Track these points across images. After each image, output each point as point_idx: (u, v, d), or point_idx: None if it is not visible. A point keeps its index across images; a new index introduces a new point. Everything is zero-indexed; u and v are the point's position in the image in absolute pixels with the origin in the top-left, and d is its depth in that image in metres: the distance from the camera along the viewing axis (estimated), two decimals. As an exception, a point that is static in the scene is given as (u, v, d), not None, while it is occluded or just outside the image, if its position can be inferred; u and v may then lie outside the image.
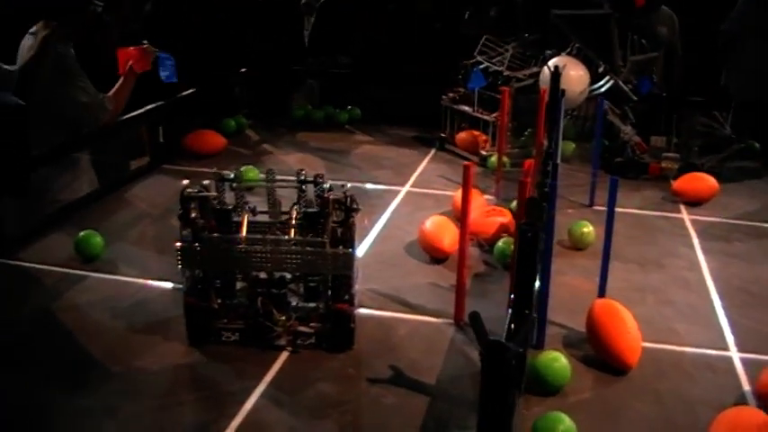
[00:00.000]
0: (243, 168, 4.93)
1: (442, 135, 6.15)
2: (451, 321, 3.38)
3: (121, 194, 4.86)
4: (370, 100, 6.98)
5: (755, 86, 6.15)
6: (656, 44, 6.64)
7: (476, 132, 5.87)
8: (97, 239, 3.89)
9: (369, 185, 5.13)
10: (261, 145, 6.05)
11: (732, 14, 6.42)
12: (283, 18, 6.85)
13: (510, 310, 2.28)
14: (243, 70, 6.67)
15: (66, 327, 3.24)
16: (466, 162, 3.27)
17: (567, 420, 2.54)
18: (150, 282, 3.64)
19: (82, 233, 3.91)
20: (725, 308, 3.66)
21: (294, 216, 3.08)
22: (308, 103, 6.99)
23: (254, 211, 3.19)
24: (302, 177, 3.18)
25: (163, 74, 4.95)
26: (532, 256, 2.44)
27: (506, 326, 2.22)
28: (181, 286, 3.10)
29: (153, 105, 5.33)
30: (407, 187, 5.21)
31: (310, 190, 3.23)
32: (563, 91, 4.59)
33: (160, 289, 3.57)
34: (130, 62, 4.88)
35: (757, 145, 6.06)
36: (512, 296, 2.70)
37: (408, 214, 4.69)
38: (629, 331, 3.08)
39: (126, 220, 4.47)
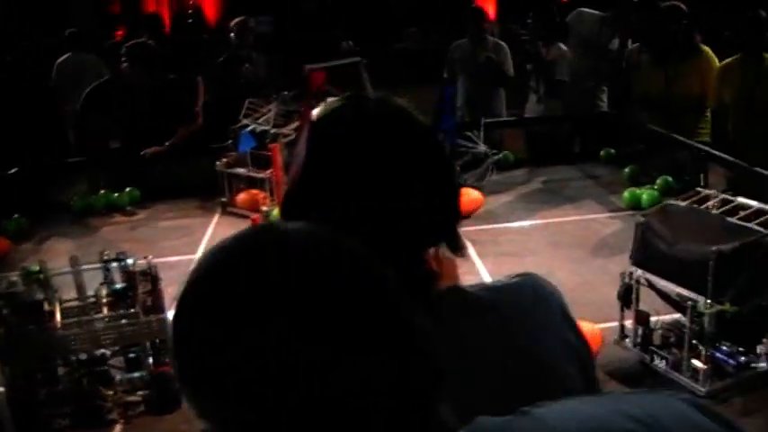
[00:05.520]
0: (31, 267, 4.98)
1: (223, 200, 6.34)
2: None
3: None
4: (145, 178, 7.06)
5: None
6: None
7: (254, 191, 6.12)
8: None
9: (161, 259, 5.25)
10: (46, 241, 6.02)
11: None
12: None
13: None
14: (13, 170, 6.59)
15: None
16: (252, 216, 3.55)
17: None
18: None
19: None
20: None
21: (104, 294, 3.24)
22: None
23: (61, 301, 3.30)
24: (105, 257, 3.34)
25: None
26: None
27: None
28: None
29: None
30: (199, 254, 5.36)
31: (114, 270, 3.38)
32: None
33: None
34: None
35: (512, 156, 6.72)
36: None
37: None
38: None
39: None
